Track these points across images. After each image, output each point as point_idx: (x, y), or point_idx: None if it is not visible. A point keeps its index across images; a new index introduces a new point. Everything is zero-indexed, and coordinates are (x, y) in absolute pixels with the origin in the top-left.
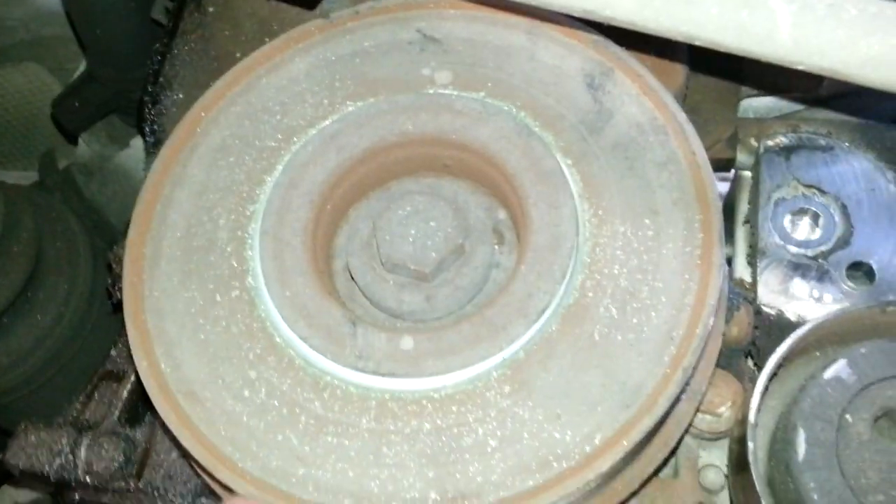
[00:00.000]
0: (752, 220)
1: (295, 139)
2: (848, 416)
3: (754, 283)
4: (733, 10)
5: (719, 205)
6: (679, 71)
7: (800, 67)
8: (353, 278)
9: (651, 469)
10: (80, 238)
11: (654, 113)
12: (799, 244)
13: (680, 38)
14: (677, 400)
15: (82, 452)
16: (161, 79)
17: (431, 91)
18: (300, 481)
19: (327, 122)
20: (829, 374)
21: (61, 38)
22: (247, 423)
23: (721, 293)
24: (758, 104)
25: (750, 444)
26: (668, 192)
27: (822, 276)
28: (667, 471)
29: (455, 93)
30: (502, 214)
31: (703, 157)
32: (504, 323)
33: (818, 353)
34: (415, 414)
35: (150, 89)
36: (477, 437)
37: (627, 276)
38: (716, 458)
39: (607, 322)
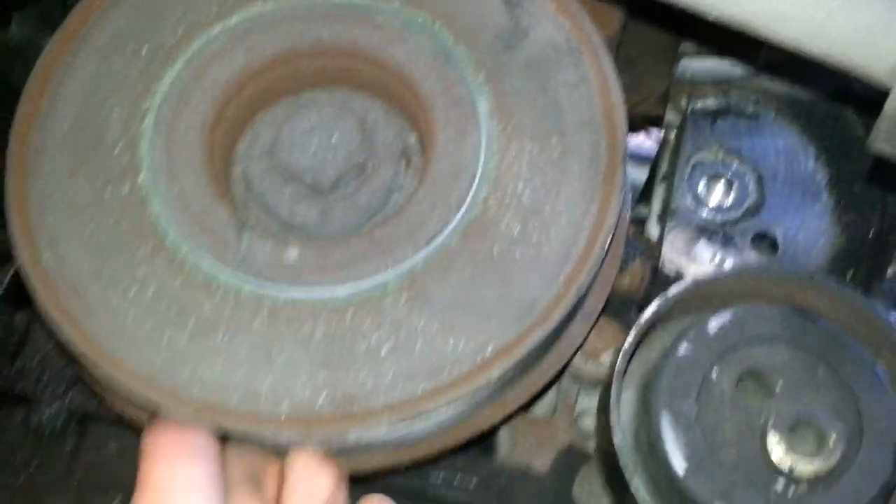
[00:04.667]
0: (668, 180)
1: (196, 36)
2: (713, 374)
3: (660, 241)
4: None
5: (626, 129)
6: (615, 17)
7: (713, 16)
8: (249, 185)
9: (542, 384)
10: None
11: (570, 34)
12: (710, 209)
13: None
14: (571, 318)
15: None
16: None
17: None
18: (187, 379)
19: (232, 20)
20: (701, 330)
21: None
22: (132, 321)
23: (621, 217)
24: (697, 66)
25: (613, 388)
26: (576, 113)
27: (726, 242)
28: (544, 410)
29: (370, 1)
30: (413, 138)
31: (613, 81)
32: (392, 245)
33: (698, 311)
34: (308, 319)
35: None
36: (370, 344)
37: (531, 193)
38: (595, 404)
39: (508, 238)
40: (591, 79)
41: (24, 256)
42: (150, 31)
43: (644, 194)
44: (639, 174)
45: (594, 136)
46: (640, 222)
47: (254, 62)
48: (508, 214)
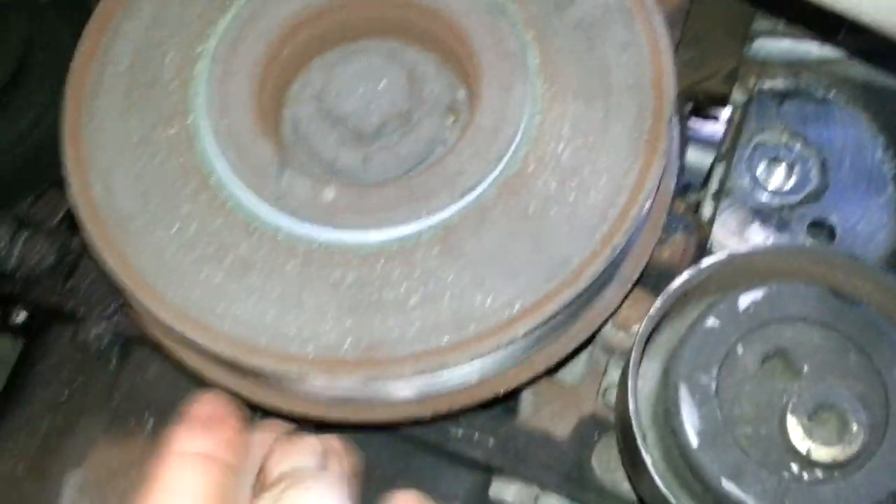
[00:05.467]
0: (727, 159)
1: None
2: (739, 347)
3: (712, 220)
4: None
5: (673, 93)
6: None
7: None
8: (297, 128)
9: (571, 348)
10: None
11: None
12: (768, 191)
13: None
14: (606, 282)
15: (19, 245)
16: None
17: None
18: (219, 316)
19: None
20: (731, 304)
21: None
22: (173, 256)
23: (663, 184)
24: (770, 46)
25: (634, 352)
26: (624, 75)
27: (782, 227)
28: (573, 378)
29: None
30: (462, 94)
31: (665, 44)
32: (429, 193)
33: (733, 288)
34: (339, 265)
35: None
36: (398, 293)
37: (572, 153)
38: None
39: (545, 196)
40: (641, 41)
41: (75, 187)
42: None
43: (707, 180)
44: (705, 159)
45: (640, 99)
46: (697, 205)
47: (309, 7)
48: (547, 172)
